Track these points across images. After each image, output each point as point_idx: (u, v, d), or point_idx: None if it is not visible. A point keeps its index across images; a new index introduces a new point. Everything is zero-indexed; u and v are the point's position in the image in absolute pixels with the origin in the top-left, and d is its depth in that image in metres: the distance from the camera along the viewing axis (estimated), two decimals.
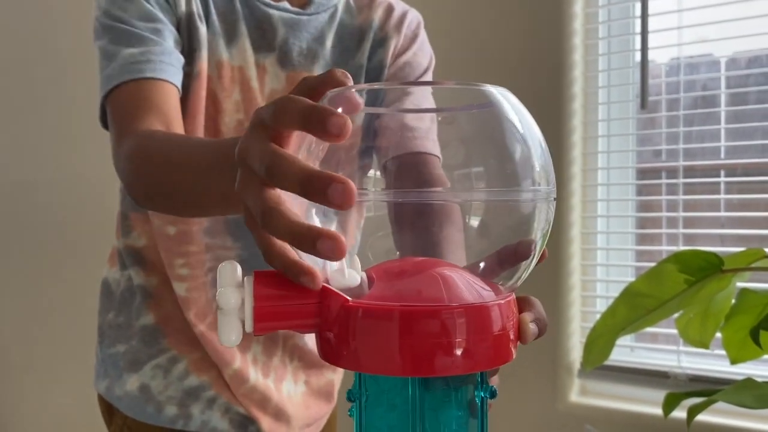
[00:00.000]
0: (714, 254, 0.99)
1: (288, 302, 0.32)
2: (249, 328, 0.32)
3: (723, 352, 1.05)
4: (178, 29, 0.70)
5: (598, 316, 1.39)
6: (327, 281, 0.33)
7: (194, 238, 0.73)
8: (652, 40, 1.39)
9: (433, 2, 1.56)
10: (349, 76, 0.34)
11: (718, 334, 1.05)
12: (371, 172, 0.33)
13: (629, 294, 1.05)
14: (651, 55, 1.38)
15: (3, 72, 1.68)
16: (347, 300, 0.32)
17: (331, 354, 0.32)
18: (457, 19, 1.54)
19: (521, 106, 0.33)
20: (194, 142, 0.55)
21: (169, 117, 0.63)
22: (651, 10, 1.37)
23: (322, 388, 0.84)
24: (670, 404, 1.01)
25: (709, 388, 1.03)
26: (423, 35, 0.84)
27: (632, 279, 1.37)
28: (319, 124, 0.29)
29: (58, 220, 1.68)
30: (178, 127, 0.65)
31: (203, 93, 0.71)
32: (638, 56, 1.38)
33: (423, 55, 0.84)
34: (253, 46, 0.73)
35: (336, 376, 0.87)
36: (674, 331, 1.28)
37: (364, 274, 0.33)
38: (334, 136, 0.29)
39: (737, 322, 1.06)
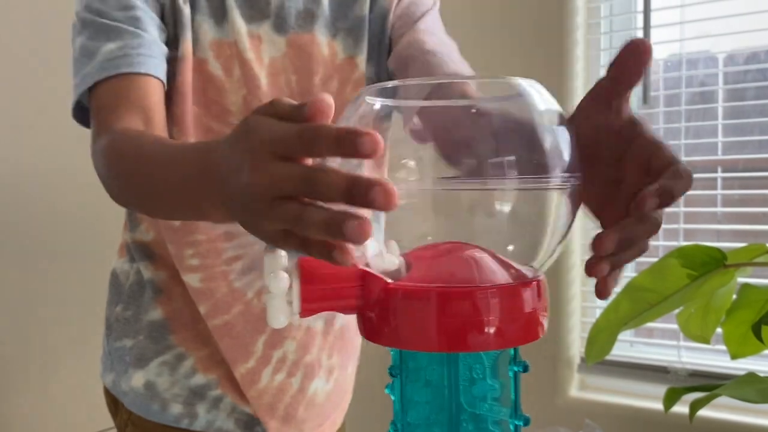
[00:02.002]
0: (717, 249, 1.00)
1: (332, 285, 0.34)
2: (297, 309, 0.33)
3: (722, 347, 1.06)
4: (162, 15, 0.69)
5: (598, 312, 1.40)
6: (367, 265, 0.34)
7: (199, 227, 0.72)
8: (653, 36, 1.40)
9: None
10: (331, 105, 0.33)
11: (718, 330, 1.06)
12: (404, 161, 0.34)
13: (632, 288, 1.06)
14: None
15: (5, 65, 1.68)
16: (387, 282, 0.33)
17: (372, 332, 0.34)
18: (458, 15, 1.56)
19: (550, 96, 0.34)
20: (168, 148, 0.54)
21: (148, 111, 0.63)
22: (653, 5, 1.39)
23: (346, 383, 0.84)
24: (670, 399, 1.02)
25: (709, 383, 1.05)
26: None
27: (632, 274, 1.39)
28: (352, 147, 0.30)
29: (59, 212, 1.68)
30: (160, 121, 0.65)
31: (189, 76, 0.70)
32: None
33: None
34: (244, 18, 0.72)
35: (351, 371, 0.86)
36: (674, 326, 1.29)
37: (402, 258, 0.35)
38: (367, 156, 0.30)
39: (738, 317, 1.07)
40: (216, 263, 0.73)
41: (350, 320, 0.81)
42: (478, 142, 0.33)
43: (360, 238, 0.29)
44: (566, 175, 0.34)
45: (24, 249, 1.67)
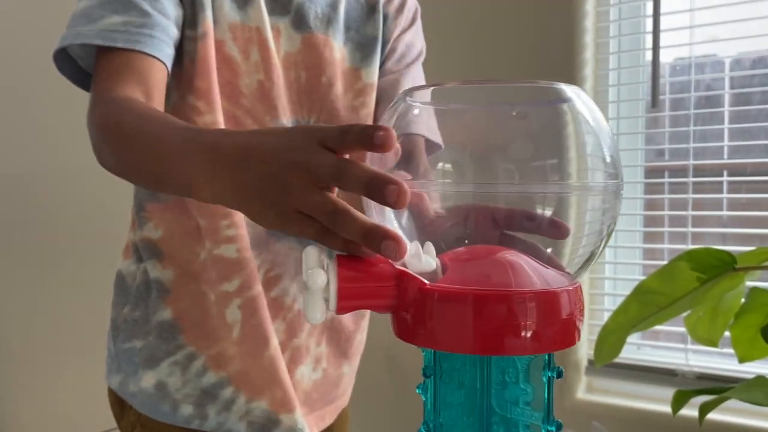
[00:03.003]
0: (727, 252, 1.00)
1: (368, 283, 0.34)
2: (333, 306, 0.34)
3: (730, 351, 1.06)
4: None
5: (605, 314, 1.41)
6: (404, 266, 0.35)
7: None
8: (662, 40, 1.40)
9: (445, 0, 1.57)
10: (393, 137, 0.37)
11: (726, 333, 1.06)
12: (440, 165, 0.34)
13: (641, 291, 1.07)
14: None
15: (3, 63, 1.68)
16: (425, 283, 0.33)
17: (406, 332, 0.34)
18: (469, 17, 1.56)
19: (592, 102, 0.34)
20: (166, 123, 0.56)
21: (148, 88, 0.64)
22: (662, 9, 1.39)
23: (339, 380, 0.84)
24: (678, 402, 1.02)
25: (717, 386, 1.05)
26: (419, 22, 0.88)
27: (640, 277, 1.39)
28: (378, 192, 0.34)
29: (63, 213, 1.68)
30: (159, 99, 0.66)
31: (212, 53, 0.71)
32: (648, 55, 1.40)
33: (419, 39, 0.88)
34: (267, 9, 0.74)
35: (349, 371, 0.86)
36: (682, 329, 1.30)
37: (438, 260, 0.35)
38: (391, 204, 0.34)
39: (747, 320, 1.08)
40: (244, 234, 0.74)
41: (346, 315, 0.81)
42: (517, 146, 0.34)
43: (395, 255, 0.33)
44: (606, 180, 0.34)
45: (27, 250, 1.67)
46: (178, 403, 0.73)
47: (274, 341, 0.75)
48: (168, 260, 0.75)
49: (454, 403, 0.35)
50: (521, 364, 0.35)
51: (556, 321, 0.33)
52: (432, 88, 0.35)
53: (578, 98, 0.34)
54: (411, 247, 0.35)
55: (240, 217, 0.73)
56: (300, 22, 0.76)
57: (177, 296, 0.74)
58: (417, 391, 0.35)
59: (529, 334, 0.32)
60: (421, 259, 0.34)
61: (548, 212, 0.33)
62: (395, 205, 0.33)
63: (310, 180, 0.37)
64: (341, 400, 0.87)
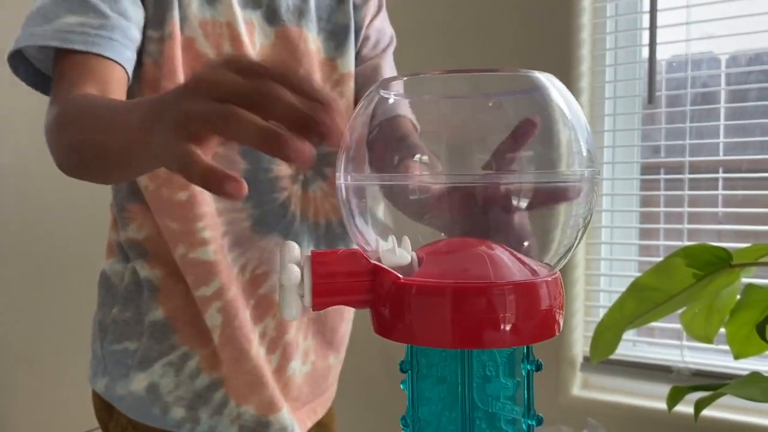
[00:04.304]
0: (723, 249, 1.00)
1: (343, 279, 0.34)
2: (308, 303, 0.33)
3: (725, 347, 1.06)
4: None
5: (601, 311, 1.41)
6: (379, 260, 0.34)
7: (205, 200, 0.71)
8: (659, 36, 1.40)
9: None
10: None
11: (721, 330, 1.06)
12: (417, 156, 0.34)
13: (637, 288, 1.06)
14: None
15: None
16: (398, 277, 0.33)
17: (384, 328, 0.34)
18: (465, 11, 1.55)
19: (567, 90, 0.34)
20: (121, 102, 0.56)
21: (108, 91, 0.63)
22: (659, 5, 1.38)
23: (326, 373, 0.84)
24: (674, 398, 1.02)
25: (712, 383, 1.04)
26: (385, 8, 0.90)
27: (636, 273, 1.38)
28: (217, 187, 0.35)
29: (47, 212, 1.67)
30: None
31: (178, 53, 0.69)
32: (645, 51, 1.39)
33: (388, 26, 0.89)
34: (240, 2, 0.73)
35: (335, 363, 0.86)
36: (677, 325, 1.30)
37: (414, 254, 0.34)
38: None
39: (742, 317, 1.07)
40: (218, 236, 0.73)
41: (331, 309, 0.81)
42: (493, 137, 0.33)
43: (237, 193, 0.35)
44: (583, 169, 0.33)
45: (17, 248, 1.67)
46: (169, 406, 0.72)
47: (256, 344, 0.74)
48: (155, 260, 0.73)
49: (434, 398, 0.34)
50: (501, 357, 0.34)
51: (536, 313, 0.32)
52: (406, 78, 0.34)
53: (552, 86, 0.34)
54: (386, 241, 0.34)
55: (216, 220, 0.72)
56: (272, 15, 0.76)
57: (167, 295, 0.73)
58: (401, 386, 0.35)
59: (508, 327, 0.31)
60: (395, 252, 0.33)
61: (522, 204, 0.33)
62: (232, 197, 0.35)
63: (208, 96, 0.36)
64: (330, 391, 0.87)
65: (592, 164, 0.34)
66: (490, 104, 0.33)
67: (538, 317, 0.32)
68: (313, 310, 0.33)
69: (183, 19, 0.70)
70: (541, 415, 0.33)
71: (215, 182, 0.35)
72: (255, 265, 0.75)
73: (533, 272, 0.34)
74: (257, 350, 0.74)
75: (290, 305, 0.33)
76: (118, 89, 0.64)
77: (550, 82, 0.34)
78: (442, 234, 0.35)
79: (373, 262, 0.35)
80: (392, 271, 0.33)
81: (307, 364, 0.81)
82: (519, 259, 0.34)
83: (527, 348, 0.34)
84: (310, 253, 0.34)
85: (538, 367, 0.33)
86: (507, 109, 0.34)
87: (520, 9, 1.49)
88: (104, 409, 0.76)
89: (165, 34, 0.68)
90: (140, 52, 0.69)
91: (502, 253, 0.34)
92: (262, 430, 0.75)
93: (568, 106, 0.34)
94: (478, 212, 0.33)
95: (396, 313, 0.33)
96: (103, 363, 0.75)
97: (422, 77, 0.34)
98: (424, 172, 0.33)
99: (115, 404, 0.74)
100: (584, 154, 0.34)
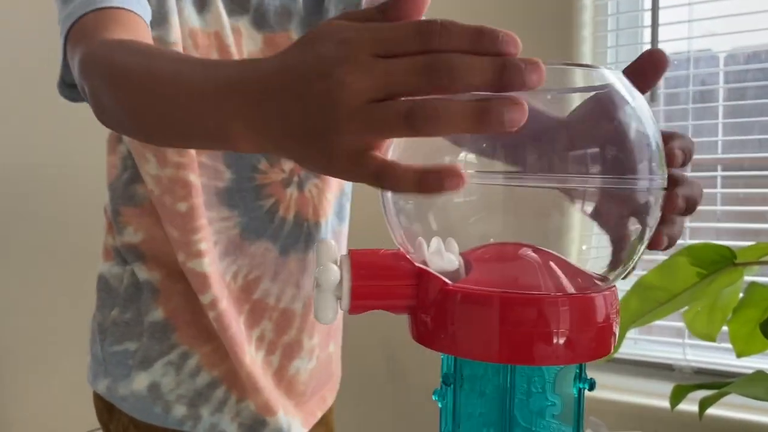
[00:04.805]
0: (726, 248, 1.00)
1: (385, 282, 0.31)
2: (345, 306, 0.31)
3: (727, 345, 1.06)
4: None
5: None
6: (425, 263, 0.32)
7: (202, 211, 0.71)
8: (660, 34, 1.39)
9: None
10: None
11: (723, 328, 1.06)
12: (465, 153, 0.31)
13: (641, 287, 1.06)
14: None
15: None
16: (447, 283, 0.31)
17: (426, 336, 0.31)
18: (466, 11, 1.53)
19: (635, 89, 0.32)
20: (174, 58, 0.46)
21: (141, 39, 0.56)
22: (661, 2, 1.38)
23: (329, 362, 0.84)
24: (677, 396, 1.02)
25: (716, 381, 1.04)
26: None
27: (641, 272, 1.38)
28: (493, 40, 0.27)
29: (47, 212, 1.64)
30: None
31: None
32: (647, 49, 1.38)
33: None
34: (226, 10, 0.71)
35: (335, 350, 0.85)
36: (679, 324, 1.29)
37: (461, 258, 0.32)
38: (510, 53, 0.28)
39: (744, 315, 1.07)
40: (211, 247, 0.72)
41: None
42: (550, 135, 0.31)
43: (514, 122, 0.26)
44: (650, 176, 0.31)
45: (15, 246, 1.63)
46: (171, 404, 0.72)
47: (252, 351, 0.74)
48: (152, 262, 0.73)
49: (474, 413, 0.32)
50: (549, 373, 0.32)
51: (591, 327, 0.30)
52: None
53: (621, 83, 0.31)
54: (432, 243, 0.32)
55: (209, 230, 0.71)
56: (260, 20, 0.74)
57: (167, 296, 0.73)
58: (433, 397, 0.33)
59: (561, 342, 0.29)
60: (442, 256, 0.31)
61: (580, 210, 0.31)
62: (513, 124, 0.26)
63: (370, 99, 0.27)
64: (335, 375, 0.87)
65: (662, 173, 0.32)
66: (549, 97, 0.30)
67: (594, 332, 0.30)
68: (350, 314, 0.31)
69: (181, 27, 0.67)
70: None
71: (434, 178, 0.27)
72: (247, 271, 0.74)
73: (588, 283, 0.32)
74: (252, 357, 0.74)
75: (326, 308, 0.31)
76: (149, 41, 0.59)
77: (620, 81, 0.31)
78: (491, 239, 0.33)
79: (417, 265, 0.32)
80: (439, 276, 0.31)
81: (313, 360, 0.80)
82: (573, 270, 0.32)
83: (580, 366, 0.31)
84: (348, 252, 0.31)
85: (591, 387, 0.31)
86: (569, 107, 0.32)
87: (521, 7, 1.48)
88: (105, 409, 0.75)
89: (170, 39, 0.66)
90: None
91: (555, 262, 0.32)
92: (259, 428, 0.75)
93: (639, 107, 0.31)
94: (531, 216, 0.31)
95: (440, 322, 0.30)
96: (104, 365, 0.75)
97: None
98: (474, 170, 0.30)
99: (118, 404, 0.73)
100: (653, 158, 0.31)
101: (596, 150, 0.30)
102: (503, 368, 0.32)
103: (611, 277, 0.33)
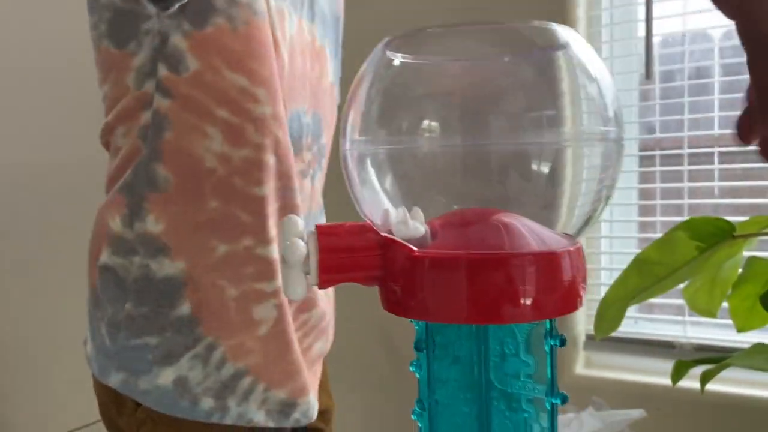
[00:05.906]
0: (725, 221, 0.99)
1: (352, 254, 0.32)
2: (314, 281, 0.31)
3: (727, 321, 1.06)
4: None
5: (603, 289, 1.40)
6: (390, 232, 0.32)
7: (275, 198, 0.73)
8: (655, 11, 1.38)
9: None
10: None
11: (723, 304, 1.06)
12: (425, 123, 0.31)
13: (640, 262, 1.05)
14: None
15: None
16: (413, 250, 0.31)
17: (396, 305, 0.32)
18: (458, 5, 1.52)
19: (590, 47, 0.32)
20: None
21: None
22: None
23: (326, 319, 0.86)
24: (679, 372, 1.01)
25: (716, 356, 1.04)
26: None
27: (636, 250, 1.38)
28: None
29: (46, 211, 1.65)
30: None
31: (269, 36, 0.68)
32: (642, 27, 1.37)
33: None
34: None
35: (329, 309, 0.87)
36: (679, 301, 1.29)
37: (426, 226, 0.32)
38: None
39: (744, 290, 1.07)
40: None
41: None
42: (507, 98, 0.31)
43: None
44: (604, 129, 0.31)
45: (16, 245, 1.64)
46: (199, 397, 0.71)
47: (296, 344, 0.76)
48: (176, 253, 0.70)
49: (449, 379, 0.33)
50: (521, 333, 0.32)
51: (558, 285, 0.30)
52: (412, 33, 0.31)
53: (575, 42, 0.32)
54: (398, 212, 0.32)
55: (276, 216, 0.73)
56: (295, 3, 0.76)
57: (194, 288, 0.71)
58: (411, 368, 0.33)
59: (528, 300, 0.30)
60: (408, 224, 0.31)
61: (544, 167, 0.31)
62: None
63: None
64: (330, 327, 0.89)
65: (617, 125, 0.32)
66: (506, 59, 0.31)
67: (561, 289, 0.30)
68: (319, 288, 0.31)
69: (268, 2, 0.68)
70: (565, 393, 0.31)
71: None
72: None
73: (554, 242, 0.32)
74: (297, 349, 0.76)
75: (295, 283, 0.31)
76: None
77: (572, 38, 0.31)
78: (455, 205, 0.33)
79: (383, 234, 0.33)
80: (406, 243, 0.31)
81: (327, 330, 0.85)
82: (538, 228, 0.32)
83: (550, 322, 0.32)
84: (314, 228, 0.32)
85: (563, 342, 0.31)
86: (524, 68, 0.32)
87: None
88: (113, 404, 0.74)
89: (260, 8, 0.66)
90: (207, 8, 0.64)
91: (520, 222, 0.32)
92: (287, 411, 0.75)
93: (592, 64, 0.31)
94: (493, 179, 0.31)
95: (409, 289, 0.31)
96: (117, 358, 0.72)
97: (433, 34, 0.31)
98: (435, 136, 0.31)
99: (138, 398, 0.72)
100: (610, 114, 0.31)
101: (552, 112, 0.30)
102: (476, 332, 0.32)
103: (574, 233, 0.33)
